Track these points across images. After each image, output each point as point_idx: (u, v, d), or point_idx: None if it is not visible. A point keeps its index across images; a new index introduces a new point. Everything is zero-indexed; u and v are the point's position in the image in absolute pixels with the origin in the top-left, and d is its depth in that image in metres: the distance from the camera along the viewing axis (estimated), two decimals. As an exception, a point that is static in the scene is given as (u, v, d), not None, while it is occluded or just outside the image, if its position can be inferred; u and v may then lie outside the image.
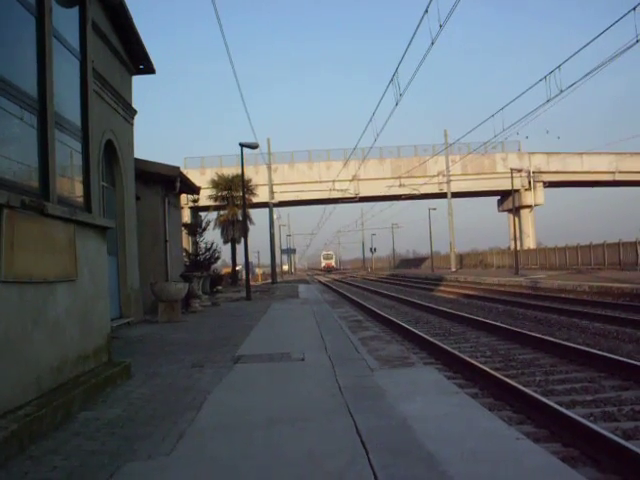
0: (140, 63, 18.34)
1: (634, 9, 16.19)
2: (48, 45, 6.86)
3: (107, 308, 8.69)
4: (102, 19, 14.78)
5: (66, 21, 7.90)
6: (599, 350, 11.73)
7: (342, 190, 71.47)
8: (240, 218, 46.08)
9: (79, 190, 8.17)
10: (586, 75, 20.25)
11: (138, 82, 18.97)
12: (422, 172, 70.26)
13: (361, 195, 77.11)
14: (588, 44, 19.38)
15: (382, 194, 74.63)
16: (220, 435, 5.47)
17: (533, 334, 14.16)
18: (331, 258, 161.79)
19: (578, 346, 12.21)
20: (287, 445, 5.05)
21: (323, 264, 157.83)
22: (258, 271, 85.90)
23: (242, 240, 40.88)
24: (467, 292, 33.81)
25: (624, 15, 16.56)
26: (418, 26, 16.70)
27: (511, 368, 11.22)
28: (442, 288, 39.61)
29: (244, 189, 32.80)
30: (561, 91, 21.13)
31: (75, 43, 8.17)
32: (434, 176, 69.75)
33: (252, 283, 34.30)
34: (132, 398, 7.15)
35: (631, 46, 17.10)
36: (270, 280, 59.60)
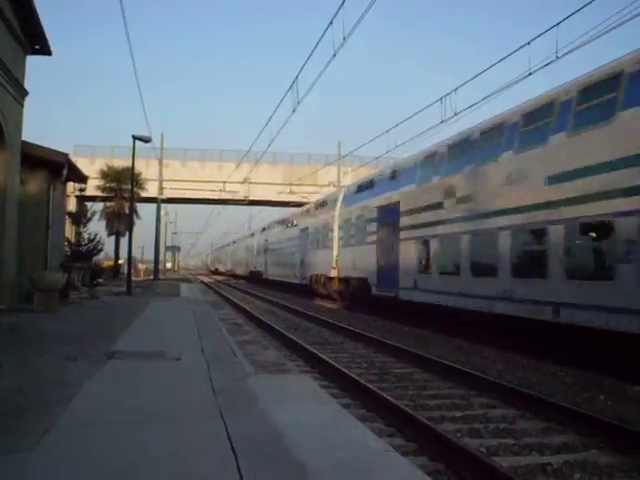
0: (36, 42, 17.80)
1: (529, 43, 16.81)
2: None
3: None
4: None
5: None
6: (471, 369, 12.06)
7: (233, 192, 70.93)
8: (127, 211, 45.28)
9: (-42, 168, 7.82)
10: (481, 100, 20.79)
11: (31, 62, 18.38)
12: (313, 181, 70.52)
13: (251, 198, 76.60)
14: (483, 72, 19.92)
15: (272, 199, 74.59)
16: (87, 431, 5.34)
17: (410, 349, 14.40)
18: None
19: (451, 363, 12.51)
20: (155, 445, 4.97)
21: None
22: (141, 266, 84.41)
23: (127, 234, 40.15)
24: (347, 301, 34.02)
25: (519, 48, 17.15)
26: (322, 36, 16.76)
27: (385, 381, 11.40)
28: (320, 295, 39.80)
29: (133, 182, 32.14)
30: (455, 114, 21.59)
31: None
32: (325, 186, 70.06)
33: (134, 278, 33.63)
34: (-2, 388, 6.89)
35: (525, 77, 17.72)
36: (152, 277, 58.76)
